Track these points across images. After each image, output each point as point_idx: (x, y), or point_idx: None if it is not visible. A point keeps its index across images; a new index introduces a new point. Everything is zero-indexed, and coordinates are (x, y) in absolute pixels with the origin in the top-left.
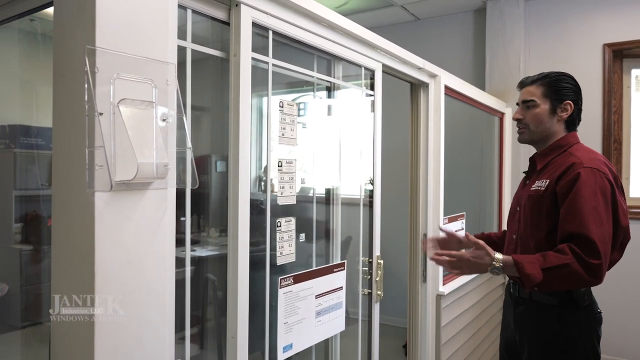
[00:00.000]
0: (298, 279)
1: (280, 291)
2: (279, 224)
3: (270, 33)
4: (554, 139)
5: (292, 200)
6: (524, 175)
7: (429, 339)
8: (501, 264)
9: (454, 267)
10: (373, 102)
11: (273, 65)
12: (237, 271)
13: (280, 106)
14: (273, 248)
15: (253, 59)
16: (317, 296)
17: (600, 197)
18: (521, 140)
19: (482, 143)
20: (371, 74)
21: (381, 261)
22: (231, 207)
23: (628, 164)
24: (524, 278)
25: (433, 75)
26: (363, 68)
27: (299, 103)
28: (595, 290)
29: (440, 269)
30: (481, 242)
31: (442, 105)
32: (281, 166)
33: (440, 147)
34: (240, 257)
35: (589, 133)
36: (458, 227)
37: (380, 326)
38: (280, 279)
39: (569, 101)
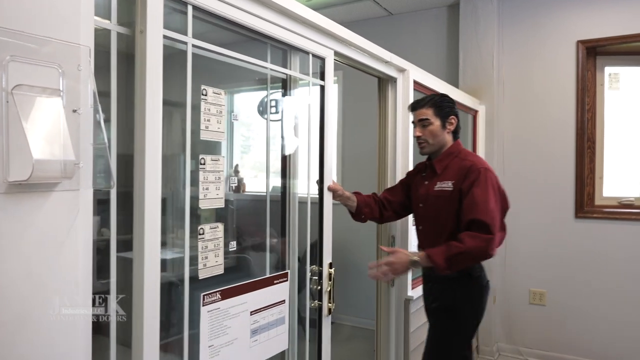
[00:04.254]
0: (227, 294)
1: (204, 309)
2: (201, 231)
3: (190, 8)
4: (446, 147)
5: (219, 204)
6: (422, 176)
7: (397, 344)
8: (417, 258)
9: (386, 275)
10: (323, 93)
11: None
12: (143, 290)
13: (203, 94)
14: (194, 259)
15: (167, 37)
16: (253, 312)
17: (491, 190)
18: (423, 152)
19: None
20: (321, 62)
21: (332, 270)
22: (136, 210)
23: (601, 163)
24: (435, 266)
25: (401, 70)
26: (311, 55)
27: (272, 100)
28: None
29: (410, 272)
30: (396, 248)
31: (410, 101)
32: (204, 164)
33: (409, 144)
34: (148, 275)
35: (563, 132)
36: None
37: (353, 329)
38: (204, 295)
39: (452, 116)
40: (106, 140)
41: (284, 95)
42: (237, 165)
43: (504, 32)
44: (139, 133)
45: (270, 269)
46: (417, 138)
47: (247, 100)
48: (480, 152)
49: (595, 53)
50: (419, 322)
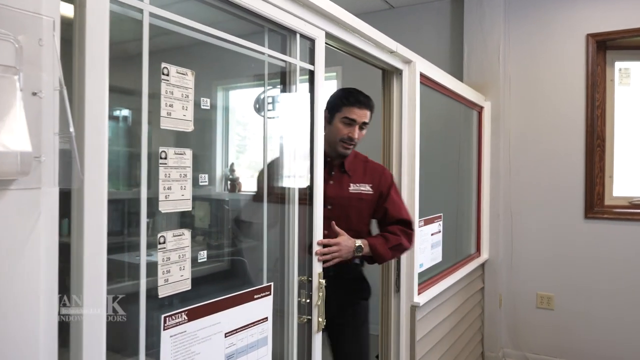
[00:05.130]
0: (195, 314)
1: (165, 333)
2: (161, 240)
3: None
4: None
5: (185, 206)
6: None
7: (402, 354)
8: (361, 244)
9: (334, 256)
10: (313, 79)
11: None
12: (82, 316)
13: (164, 73)
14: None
15: (116, 2)
16: (228, 334)
17: (399, 190)
18: (346, 154)
19: (460, 139)
20: (311, 44)
21: (323, 280)
22: (75, 213)
23: (611, 162)
24: (377, 256)
25: (407, 61)
26: (298, 35)
27: (270, 96)
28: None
29: (416, 277)
30: (341, 230)
31: (417, 95)
32: (165, 158)
33: (416, 141)
34: (87, 288)
35: (571, 129)
36: (435, 230)
37: None
38: (165, 317)
39: None
40: (73, 129)
41: (282, 90)
42: (232, 164)
43: (511, 26)
44: (77, 120)
45: (257, 277)
46: (350, 139)
47: (244, 98)
48: (486, 149)
49: (605, 47)
50: (426, 330)
